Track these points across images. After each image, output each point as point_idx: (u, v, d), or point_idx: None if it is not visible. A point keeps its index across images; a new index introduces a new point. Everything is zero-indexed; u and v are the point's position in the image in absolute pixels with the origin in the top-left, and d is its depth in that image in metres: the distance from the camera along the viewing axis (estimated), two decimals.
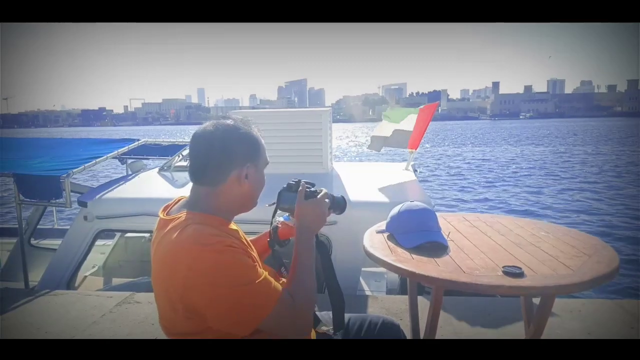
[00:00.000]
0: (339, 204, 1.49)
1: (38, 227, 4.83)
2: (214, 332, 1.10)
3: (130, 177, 4.24)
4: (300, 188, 1.35)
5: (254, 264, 1.12)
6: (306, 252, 1.27)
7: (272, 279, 1.13)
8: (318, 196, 1.34)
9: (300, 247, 1.28)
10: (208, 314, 1.07)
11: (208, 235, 1.08)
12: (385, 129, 4.69)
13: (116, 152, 4.16)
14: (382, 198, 3.41)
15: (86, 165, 3.63)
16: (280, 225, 1.46)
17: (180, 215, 1.16)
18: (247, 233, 1.29)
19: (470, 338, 2.48)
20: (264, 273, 1.11)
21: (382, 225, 1.90)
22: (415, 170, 4.39)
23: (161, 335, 1.20)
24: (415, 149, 4.37)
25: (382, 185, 3.73)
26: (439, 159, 25.30)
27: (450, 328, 2.62)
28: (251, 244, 1.24)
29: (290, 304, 1.13)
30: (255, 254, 1.19)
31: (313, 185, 1.39)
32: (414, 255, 1.61)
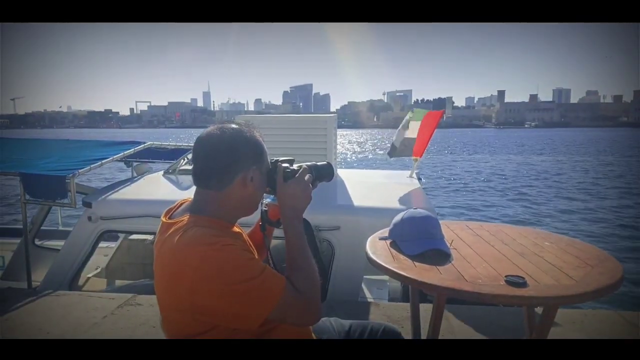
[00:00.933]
0: (325, 173, 1.40)
1: (42, 228, 4.85)
2: (221, 330, 1.10)
3: (135, 179, 4.26)
4: (278, 169, 1.28)
5: (257, 258, 1.13)
6: (296, 235, 1.25)
7: (274, 270, 1.14)
8: (297, 175, 1.28)
9: (290, 231, 1.25)
10: (217, 311, 1.07)
11: (210, 236, 1.09)
12: (411, 129, 4.57)
13: (122, 154, 4.18)
14: (386, 205, 3.40)
15: (92, 166, 3.65)
16: (267, 208, 1.41)
17: (182, 219, 1.16)
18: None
19: None
20: (266, 266, 1.12)
21: (385, 232, 1.89)
22: (419, 179, 4.38)
23: (162, 337, 1.20)
24: (420, 157, 4.36)
25: (386, 193, 3.72)
26: (443, 167, 25.25)
27: (452, 336, 2.60)
28: (253, 247, 1.25)
29: (294, 292, 1.14)
30: (256, 254, 1.20)
31: (292, 162, 1.33)
32: (416, 263, 1.61)
